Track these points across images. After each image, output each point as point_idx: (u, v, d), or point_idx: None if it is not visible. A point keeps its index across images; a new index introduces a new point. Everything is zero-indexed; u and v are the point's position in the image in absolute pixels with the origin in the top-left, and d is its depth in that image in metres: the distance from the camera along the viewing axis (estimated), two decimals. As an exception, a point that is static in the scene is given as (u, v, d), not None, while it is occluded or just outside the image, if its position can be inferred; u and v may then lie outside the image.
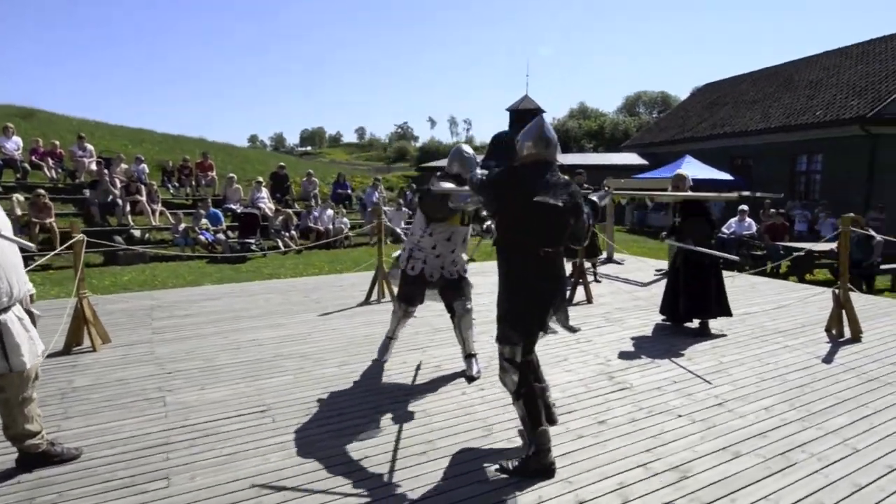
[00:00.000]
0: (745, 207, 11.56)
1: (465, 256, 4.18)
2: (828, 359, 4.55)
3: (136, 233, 10.54)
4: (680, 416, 3.48)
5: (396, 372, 4.25)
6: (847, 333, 5.12)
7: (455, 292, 4.06)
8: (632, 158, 24.61)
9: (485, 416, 3.47)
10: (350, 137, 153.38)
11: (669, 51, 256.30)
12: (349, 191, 15.62)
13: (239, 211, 11.72)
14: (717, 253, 5.39)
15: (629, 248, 11.92)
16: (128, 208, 10.85)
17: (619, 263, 9.81)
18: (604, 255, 9.82)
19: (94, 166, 12.06)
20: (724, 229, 11.32)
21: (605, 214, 10.26)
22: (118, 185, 11.35)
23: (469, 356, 4.18)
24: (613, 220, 11.03)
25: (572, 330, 3.10)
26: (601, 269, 8.69)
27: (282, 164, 15.32)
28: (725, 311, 5.36)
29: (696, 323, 5.43)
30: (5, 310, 2.61)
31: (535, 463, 2.75)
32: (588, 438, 3.16)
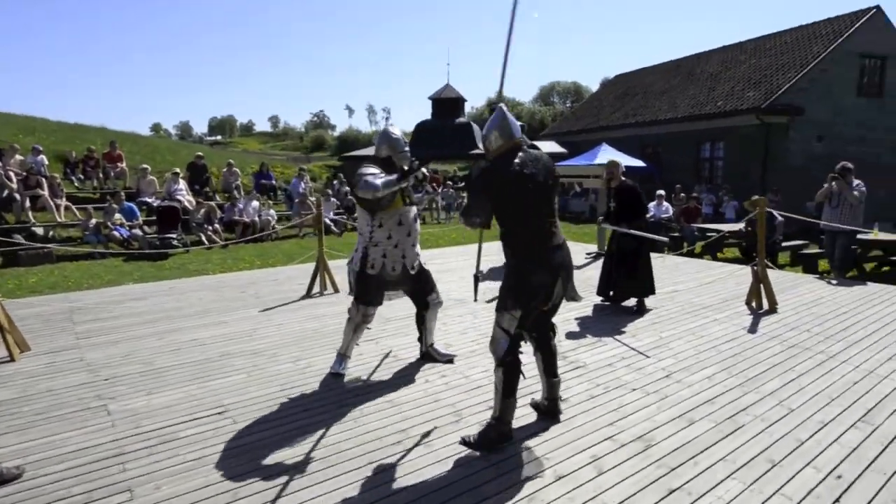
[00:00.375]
0: (662, 192, 12.34)
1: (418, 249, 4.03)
2: (752, 329, 4.97)
3: (39, 230, 9.58)
4: (634, 389, 3.68)
5: (353, 364, 4.17)
6: (765, 305, 5.61)
7: (424, 286, 4.02)
8: (551, 147, 25.39)
9: (452, 401, 3.51)
10: (263, 126, 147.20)
11: (579, 41, 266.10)
12: (273, 181, 15.04)
13: (156, 204, 10.96)
14: (651, 235, 5.73)
15: (572, 237, 12.34)
16: (27, 203, 9.84)
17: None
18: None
19: (-19, 158, 10.83)
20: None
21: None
22: (14, 178, 10.25)
23: (433, 345, 4.21)
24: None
25: (577, 299, 3.27)
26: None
27: (199, 153, 14.45)
28: (652, 290, 5.73)
29: (632, 301, 5.74)
30: None
31: (494, 431, 2.89)
32: (570, 408, 3.28)
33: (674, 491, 2.53)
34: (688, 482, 2.59)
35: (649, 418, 3.25)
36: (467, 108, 29.12)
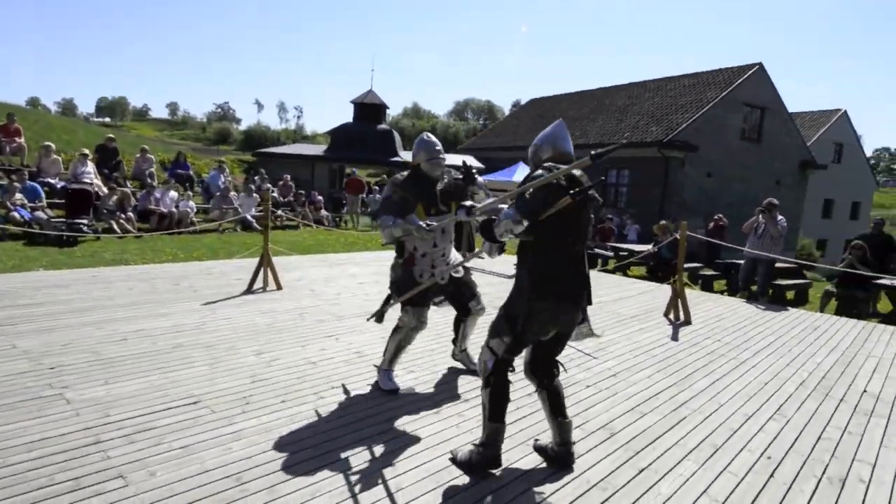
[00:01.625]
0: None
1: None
2: (674, 337, 5.57)
3: (-80, 206, 8.45)
4: (588, 386, 4.04)
5: (320, 359, 4.21)
6: (682, 317, 6.29)
7: (465, 292, 3.90)
8: (470, 160, 26.15)
9: (432, 395, 3.66)
10: (159, 112, 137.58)
11: (491, 63, 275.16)
12: (190, 172, 14.25)
13: (60, 186, 10.02)
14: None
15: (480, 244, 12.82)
16: None
17: (481, 258, 10.53)
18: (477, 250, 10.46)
19: None
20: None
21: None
22: None
23: (465, 350, 4.18)
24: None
25: (592, 335, 3.00)
26: (468, 264, 9.27)
27: (111, 136, 13.35)
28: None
29: None
30: None
31: (478, 456, 2.72)
32: (524, 409, 3.54)
33: (643, 470, 2.87)
34: (652, 463, 2.95)
35: (607, 411, 3.60)
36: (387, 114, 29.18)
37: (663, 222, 10.98)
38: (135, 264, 7.80)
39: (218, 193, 12.47)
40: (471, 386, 3.83)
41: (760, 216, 8.30)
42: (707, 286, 10.04)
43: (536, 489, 2.64)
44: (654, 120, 19.50)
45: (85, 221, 8.98)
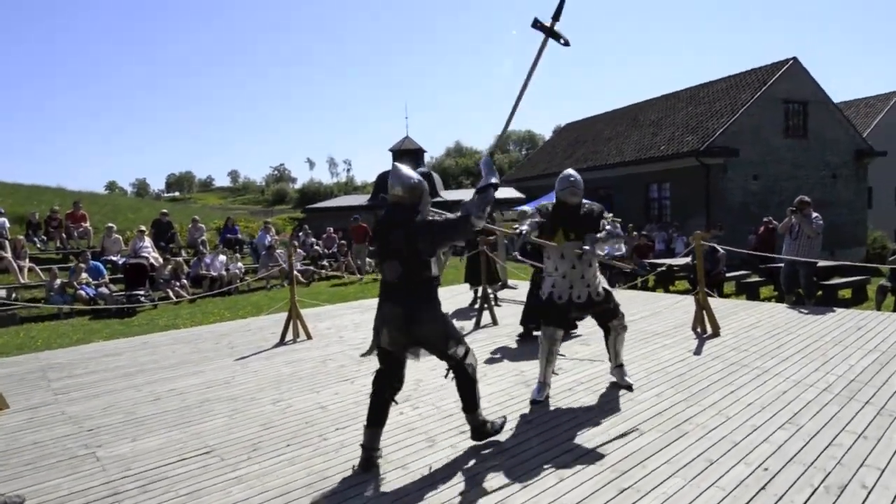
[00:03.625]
0: (614, 231, 13.04)
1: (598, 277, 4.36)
2: (697, 351, 5.44)
3: (2, 292, 9.48)
4: (591, 408, 4.04)
5: (331, 403, 4.42)
6: (709, 330, 6.11)
7: (605, 311, 4.34)
8: (509, 192, 26.30)
9: (426, 430, 3.78)
10: (222, 181, 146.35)
11: (531, 93, 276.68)
12: (238, 235, 15.18)
13: (121, 262, 10.97)
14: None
15: (520, 275, 12.83)
16: (-12, 267, 9.75)
17: (513, 288, 10.59)
18: (500, 282, 10.54)
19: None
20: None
21: (497, 246, 11.07)
22: (-26, 242, 10.17)
23: (619, 366, 4.54)
24: (506, 251, 11.89)
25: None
26: (500, 294, 9.36)
27: (164, 210, 14.54)
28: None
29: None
30: None
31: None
32: (535, 428, 3.59)
33: (624, 490, 2.87)
34: (637, 482, 2.94)
35: (604, 432, 3.60)
36: (427, 157, 30.02)
37: (698, 232, 10.66)
38: (184, 328, 8.38)
39: (264, 252, 13.19)
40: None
41: (793, 217, 7.97)
42: (753, 294, 9.64)
43: (511, 514, 2.70)
44: (689, 129, 19.10)
45: (142, 292, 9.76)
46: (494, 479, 3.03)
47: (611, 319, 4.34)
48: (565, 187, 4.14)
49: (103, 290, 10.02)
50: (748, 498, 2.74)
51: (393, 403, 3.36)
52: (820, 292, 8.64)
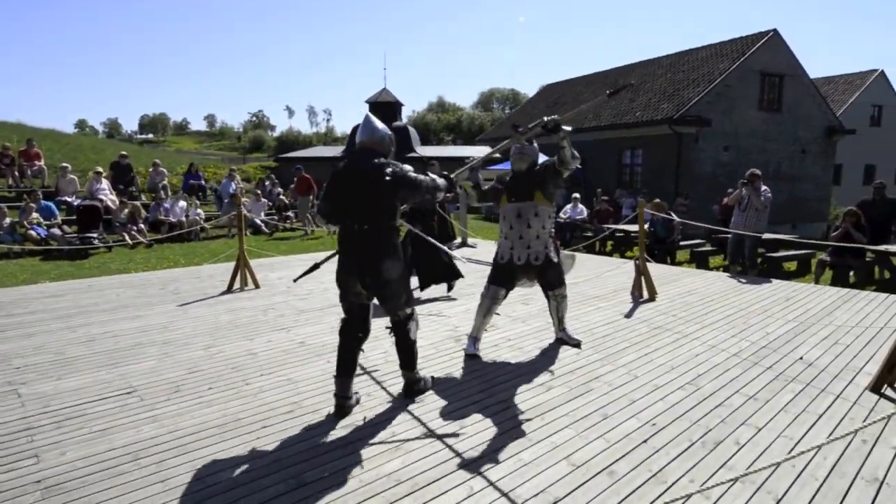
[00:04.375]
0: (577, 195, 13.19)
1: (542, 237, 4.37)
2: (628, 314, 5.63)
3: (-52, 229, 9.27)
4: (509, 363, 4.20)
5: (262, 350, 4.51)
6: (646, 295, 6.31)
7: (548, 279, 4.43)
8: (487, 151, 26.18)
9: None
10: (199, 125, 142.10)
11: (514, 50, 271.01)
12: (203, 181, 14.93)
13: (76, 204, 10.75)
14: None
15: (483, 234, 12.95)
16: (-67, 202, 9.47)
17: (472, 247, 10.71)
18: (458, 240, 10.64)
19: None
20: (560, 214, 12.80)
21: (459, 203, 11.11)
22: (-81, 175, 9.84)
23: (563, 330, 4.70)
24: (466, 209, 11.95)
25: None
26: (457, 252, 9.46)
27: (123, 153, 14.18)
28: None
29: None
30: None
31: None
32: (449, 382, 3.74)
33: (517, 439, 3.03)
34: (532, 432, 3.11)
35: (516, 387, 3.77)
36: (407, 111, 29.55)
37: (657, 200, 10.85)
38: (136, 272, 8.35)
39: (227, 200, 13.03)
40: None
41: (744, 189, 8.14)
42: (703, 263, 9.91)
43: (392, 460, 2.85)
44: (666, 97, 19.08)
45: (94, 235, 9.62)
46: (398, 426, 3.17)
47: (551, 289, 4.48)
48: (513, 154, 4.46)
49: (55, 230, 9.85)
50: (629, 449, 2.92)
51: (360, 352, 3.44)
52: (765, 264, 8.91)
